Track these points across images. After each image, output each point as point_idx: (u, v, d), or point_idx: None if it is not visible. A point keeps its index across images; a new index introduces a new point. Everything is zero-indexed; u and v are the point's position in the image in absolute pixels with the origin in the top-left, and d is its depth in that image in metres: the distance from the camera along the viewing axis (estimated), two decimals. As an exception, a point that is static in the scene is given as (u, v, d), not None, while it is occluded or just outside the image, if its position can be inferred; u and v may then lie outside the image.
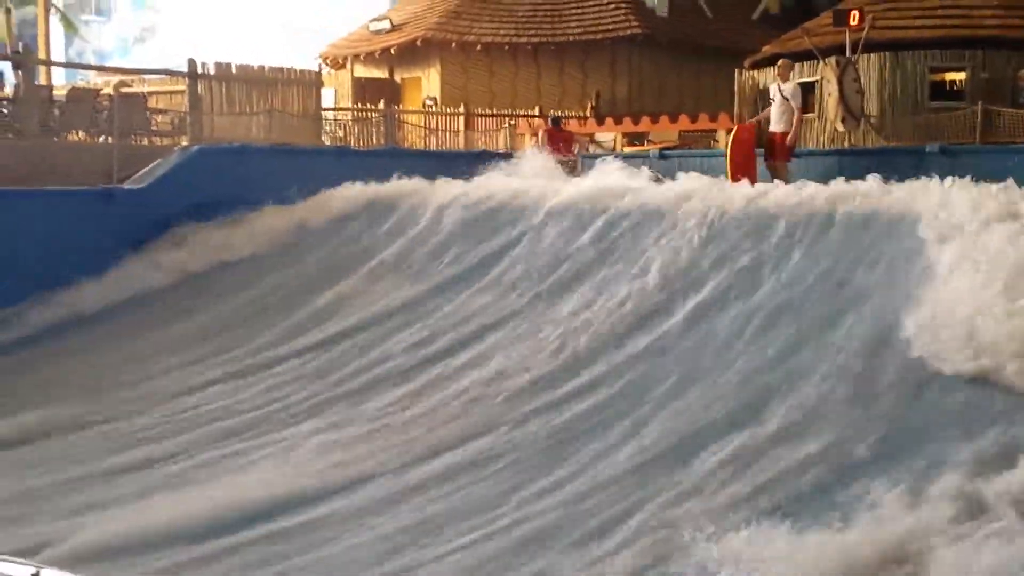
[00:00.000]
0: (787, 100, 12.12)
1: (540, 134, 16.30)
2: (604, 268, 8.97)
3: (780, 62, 13.13)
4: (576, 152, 15.96)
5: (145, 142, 15.25)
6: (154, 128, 15.56)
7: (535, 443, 6.56)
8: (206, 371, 9.02)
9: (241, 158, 13.89)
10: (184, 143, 14.57)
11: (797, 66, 19.97)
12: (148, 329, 10.40)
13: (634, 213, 9.47)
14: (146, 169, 13.16)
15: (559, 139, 15.77)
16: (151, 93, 17.48)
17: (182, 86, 16.30)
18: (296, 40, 36.63)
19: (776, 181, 10.68)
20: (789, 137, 12.05)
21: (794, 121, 12.11)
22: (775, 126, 12.18)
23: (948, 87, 19.03)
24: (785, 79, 12.58)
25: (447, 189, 12.03)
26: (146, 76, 19.29)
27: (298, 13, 43.04)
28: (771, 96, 12.49)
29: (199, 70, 15.79)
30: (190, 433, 7.48)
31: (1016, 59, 18.38)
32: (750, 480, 5.56)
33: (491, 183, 11.80)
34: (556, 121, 16.92)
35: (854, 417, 5.89)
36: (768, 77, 18.15)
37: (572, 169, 14.34)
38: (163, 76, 17.70)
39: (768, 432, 5.97)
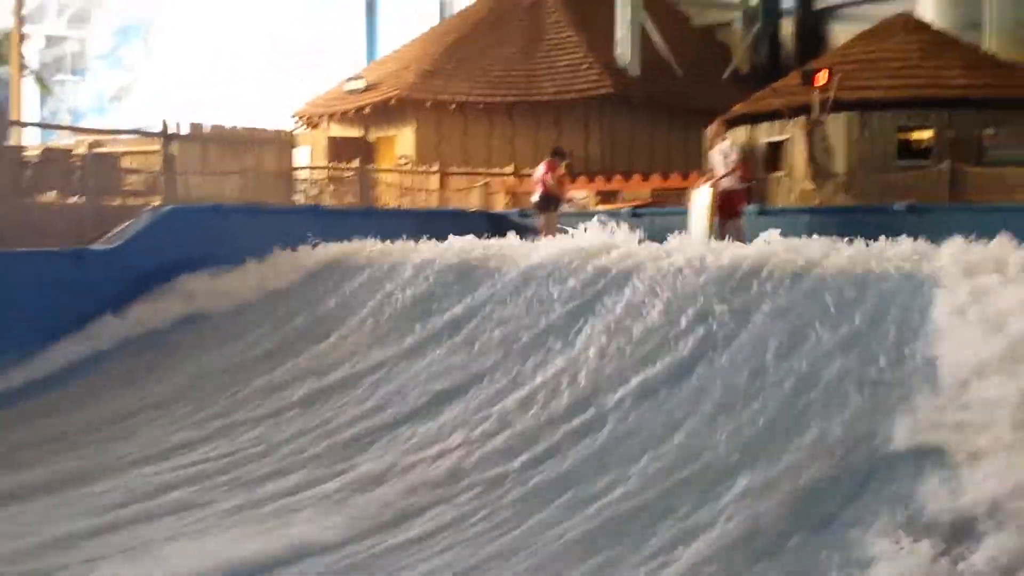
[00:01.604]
0: (728, 158, 12.37)
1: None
2: (579, 327, 8.95)
3: (713, 127, 13.40)
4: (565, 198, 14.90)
5: (118, 202, 15.23)
6: (127, 188, 15.55)
7: (507, 507, 6.50)
8: (173, 434, 8.92)
9: (214, 218, 13.86)
10: (157, 203, 14.55)
11: (767, 125, 20.30)
12: (116, 391, 10.30)
13: (613, 270, 9.47)
14: (118, 229, 13.13)
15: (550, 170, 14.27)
16: (124, 153, 17.49)
17: (156, 146, 16.34)
18: (272, 97, 36.86)
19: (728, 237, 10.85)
20: (727, 182, 12.23)
21: (732, 168, 12.32)
22: (728, 184, 12.35)
23: (915, 146, 19.33)
24: (723, 139, 12.92)
25: (420, 248, 12.03)
26: (119, 136, 19.31)
27: (277, 72, 43.36)
28: (713, 160, 12.70)
29: (172, 130, 15.84)
30: (154, 499, 7.36)
31: (981, 118, 18.72)
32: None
33: (465, 242, 11.80)
34: (555, 154, 14.83)
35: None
36: (738, 136, 18.37)
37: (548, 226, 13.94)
38: (136, 136, 17.75)
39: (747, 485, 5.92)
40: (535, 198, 14.62)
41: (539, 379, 8.26)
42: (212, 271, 12.84)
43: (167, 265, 12.72)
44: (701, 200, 12.55)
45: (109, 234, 13.07)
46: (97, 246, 12.82)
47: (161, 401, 9.95)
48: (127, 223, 13.27)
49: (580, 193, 21.06)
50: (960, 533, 4.95)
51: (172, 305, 12.32)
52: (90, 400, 10.26)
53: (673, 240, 9.75)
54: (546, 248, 10.61)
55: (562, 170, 14.76)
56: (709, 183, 12.48)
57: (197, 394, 10.01)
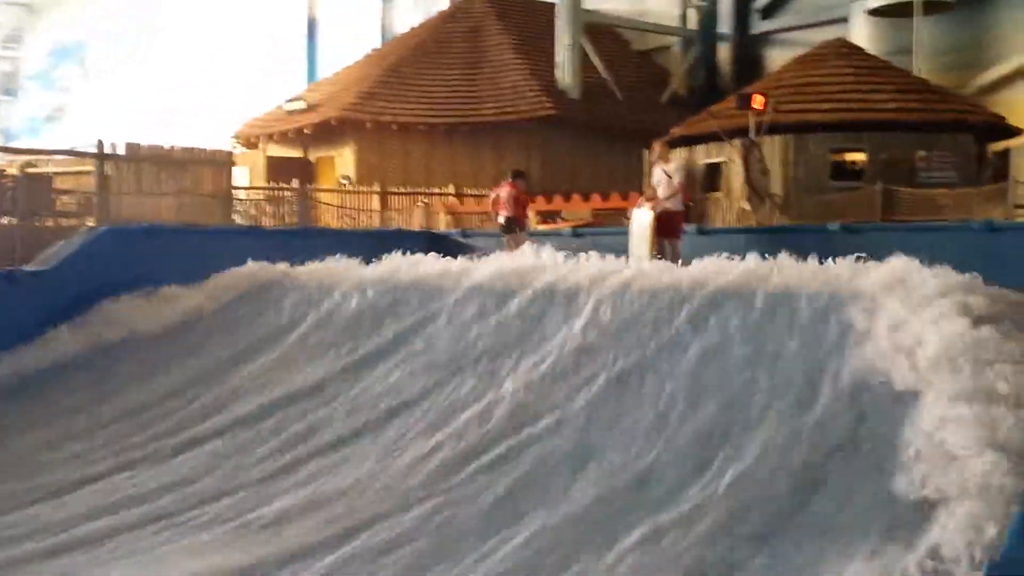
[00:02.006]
0: (671, 178, 12.43)
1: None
2: (521, 345, 8.94)
3: (658, 147, 13.39)
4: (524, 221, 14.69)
5: (51, 223, 14.96)
6: (59, 209, 15.27)
7: (445, 526, 6.45)
8: (107, 458, 8.72)
9: (149, 238, 13.64)
10: (91, 224, 14.30)
11: (703, 147, 20.58)
12: (44, 418, 10.04)
13: (554, 291, 9.47)
14: (50, 251, 12.88)
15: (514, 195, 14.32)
16: (58, 173, 17.19)
17: (90, 166, 16.08)
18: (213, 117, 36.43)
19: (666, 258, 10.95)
20: (669, 203, 12.29)
21: (675, 191, 12.36)
22: (669, 205, 12.42)
23: (849, 167, 19.72)
24: (667, 161, 12.92)
25: (360, 268, 11.95)
26: (53, 156, 18.97)
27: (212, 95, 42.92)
28: (656, 179, 12.73)
29: (107, 150, 15.60)
30: (84, 525, 7.19)
31: (913, 141, 19.17)
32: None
33: (405, 261, 11.74)
34: (516, 175, 14.83)
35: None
36: (673, 156, 18.50)
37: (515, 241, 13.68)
38: (70, 156, 17.44)
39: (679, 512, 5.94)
40: (500, 220, 14.54)
41: (478, 402, 8.23)
42: (147, 293, 12.62)
43: (101, 287, 12.47)
44: (641, 220, 12.62)
45: (42, 255, 12.81)
46: (29, 267, 12.56)
47: (92, 427, 9.71)
48: (60, 244, 13.03)
49: (521, 214, 21.07)
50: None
51: (104, 328, 12.06)
52: (17, 427, 9.98)
53: (614, 260, 9.80)
54: (487, 268, 10.59)
55: (519, 190, 14.71)
56: (649, 204, 12.56)
57: (125, 421, 9.77)
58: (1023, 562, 3.83)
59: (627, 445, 6.91)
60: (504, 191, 14.44)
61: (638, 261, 10.57)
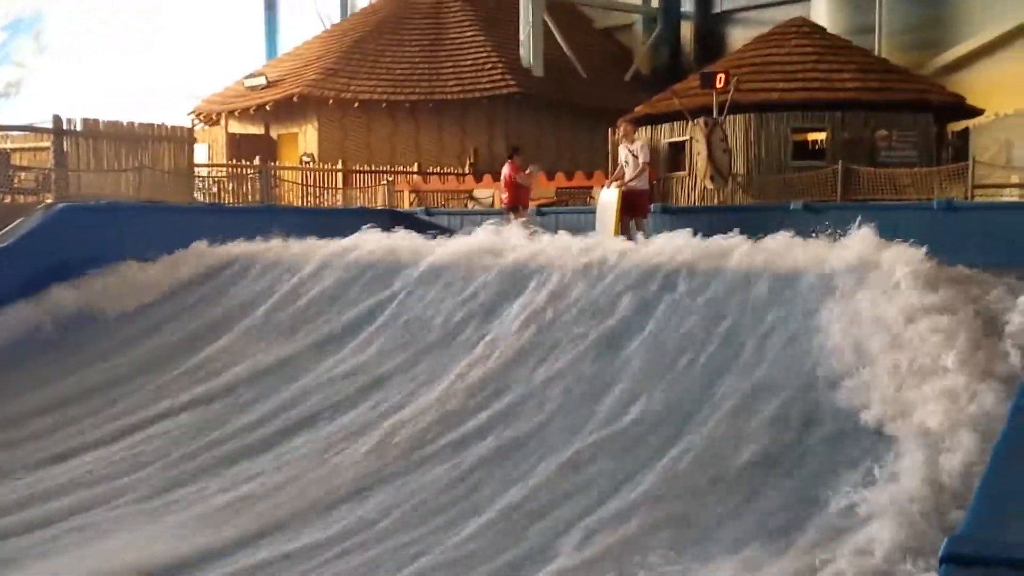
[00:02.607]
0: (637, 158, 12.47)
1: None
2: (485, 322, 8.96)
3: (623, 127, 13.38)
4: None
5: (8, 200, 14.74)
6: (17, 186, 15.04)
7: (416, 503, 6.48)
8: (72, 436, 8.64)
9: (108, 216, 13.47)
10: (49, 201, 14.10)
11: (667, 126, 20.63)
12: (5, 395, 9.92)
13: (517, 269, 9.49)
14: (6, 228, 12.69)
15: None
16: (14, 150, 16.91)
17: (47, 143, 15.84)
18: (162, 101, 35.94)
19: (639, 236, 11.03)
20: (635, 182, 12.36)
21: (641, 170, 12.43)
22: (635, 184, 12.46)
23: (811, 147, 19.85)
24: (632, 140, 12.92)
25: (323, 246, 11.89)
26: (9, 132, 18.66)
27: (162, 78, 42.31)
28: (623, 159, 12.76)
29: (65, 126, 15.36)
30: (55, 500, 7.14)
31: (873, 120, 19.32)
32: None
33: (368, 239, 11.70)
34: (514, 152, 14.38)
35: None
36: (639, 136, 18.52)
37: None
38: (27, 132, 17.17)
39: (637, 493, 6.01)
40: (505, 198, 14.44)
41: (442, 381, 8.24)
42: (106, 271, 12.47)
43: (60, 264, 12.32)
44: (608, 199, 12.66)
45: (-1, 233, 12.64)
46: (-15, 245, 12.37)
47: (46, 407, 9.60)
48: (18, 221, 12.84)
49: (484, 192, 21.10)
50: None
51: (64, 306, 11.92)
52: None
53: (579, 238, 9.83)
54: (450, 246, 10.60)
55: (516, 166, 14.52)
56: (616, 183, 12.59)
57: (89, 399, 9.67)
58: (982, 537, 3.90)
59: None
60: (506, 171, 14.30)
61: (604, 239, 10.62)
